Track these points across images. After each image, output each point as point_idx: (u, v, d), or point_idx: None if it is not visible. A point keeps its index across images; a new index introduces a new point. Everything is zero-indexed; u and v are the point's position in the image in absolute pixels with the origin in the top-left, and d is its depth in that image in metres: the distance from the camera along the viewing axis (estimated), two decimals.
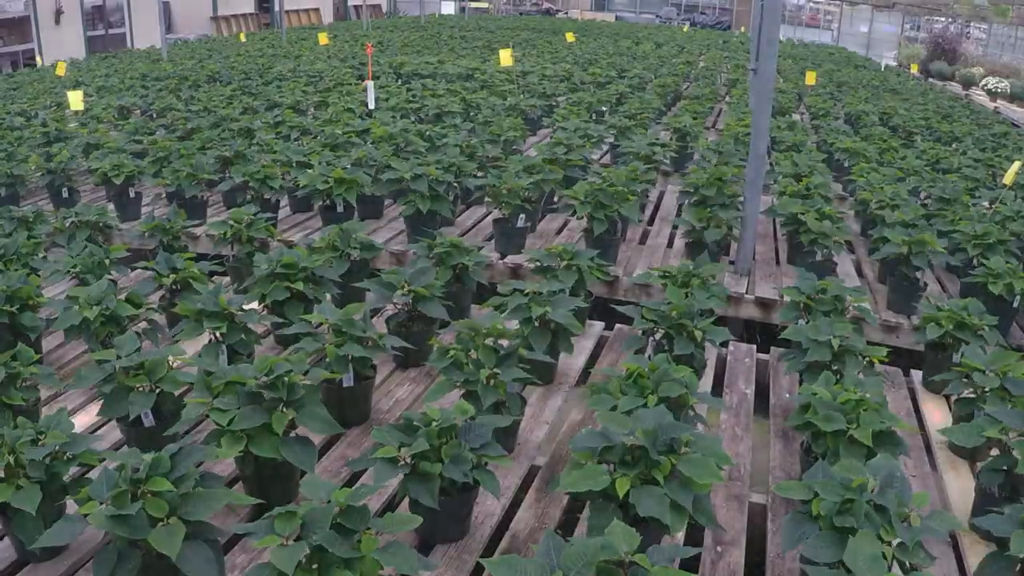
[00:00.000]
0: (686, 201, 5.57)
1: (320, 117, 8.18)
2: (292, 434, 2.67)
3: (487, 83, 11.13)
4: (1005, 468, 2.68)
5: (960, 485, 3.11)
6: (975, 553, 2.66)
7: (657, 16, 35.88)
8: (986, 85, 18.26)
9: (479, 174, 6.05)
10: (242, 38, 18.91)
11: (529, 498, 2.96)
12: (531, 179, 5.42)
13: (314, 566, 1.97)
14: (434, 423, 2.51)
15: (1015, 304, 4.35)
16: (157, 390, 2.86)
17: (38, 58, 16.32)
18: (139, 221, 5.30)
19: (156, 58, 14.96)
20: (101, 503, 2.13)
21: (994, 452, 2.88)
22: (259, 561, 2.40)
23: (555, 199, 6.16)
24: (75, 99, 7.66)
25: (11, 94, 10.82)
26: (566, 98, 10.27)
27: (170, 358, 2.96)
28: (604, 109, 9.52)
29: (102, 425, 3.28)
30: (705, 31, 29.35)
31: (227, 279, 4.76)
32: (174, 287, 3.94)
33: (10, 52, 17.61)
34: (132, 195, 5.88)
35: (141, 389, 2.86)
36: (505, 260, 5.21)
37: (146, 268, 4.06)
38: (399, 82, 11.50)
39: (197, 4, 23.67)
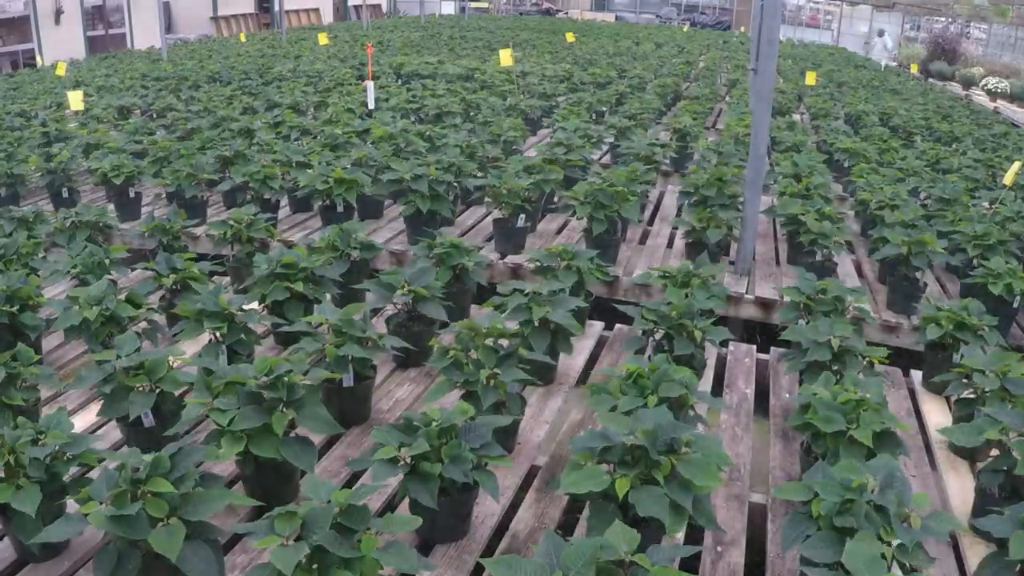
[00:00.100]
0: (686, 201, 5.57)
1: (320, 117, 8.19)
2: (292, 434, 2.67)
3: (487, 83, 11.13)
4: (1005, 468, 2.68)
5: (960, 485, 3.11)
6: (975, 553, 2.66)
7: (657, 16, 35.85)
8: (986, 85, 18.26)
9: (479, 174, 6.05)
10: (242, 38, 18.93)
11: (529, 498, 2.96)
12: (531, 179, 5.43)
13: (314, 566, 1.97)
14: (434, 423, 2.51)
15: (1015, 304, 4.35)
16: (157, 390, 2.87)
17: (38, 58, 16.30)
18: (139, 221, 5.31)
19: (156, 58, 14.96)
20: (101, 503, 2.13)
21: (994, 452, 2.88)
22: (259, 561, 2.41)
23: (555, 199, 6.16)
24: (75, 99, 7.67)
25: (11, 94, 10.82)
26: (566, 98, 10.26)
27: (170, 358, 2.96)
28: (604, 109, 9.53)
29: (102, 425, 3.27)
30: (705, 31, 29.35)
31: (227, 279, 4.75)
32: (174, 287, 3.94)
33: (10, 52, 17.59)
34: (132, 195, 5.88)
35: (141, 389, 2.86)
36: (505, 260, 5.21)
37: (146, 268, 4.06)
38: (399, 82, 11.50)
39: (197, 4, 23.66)
